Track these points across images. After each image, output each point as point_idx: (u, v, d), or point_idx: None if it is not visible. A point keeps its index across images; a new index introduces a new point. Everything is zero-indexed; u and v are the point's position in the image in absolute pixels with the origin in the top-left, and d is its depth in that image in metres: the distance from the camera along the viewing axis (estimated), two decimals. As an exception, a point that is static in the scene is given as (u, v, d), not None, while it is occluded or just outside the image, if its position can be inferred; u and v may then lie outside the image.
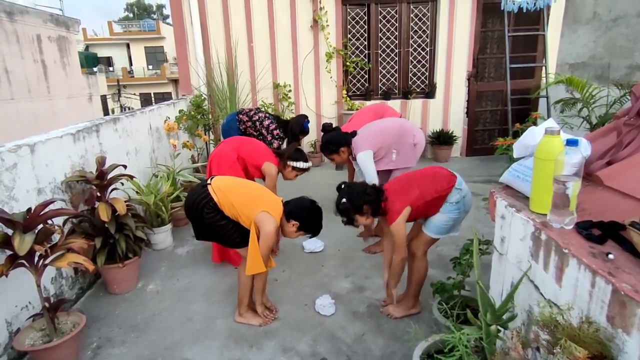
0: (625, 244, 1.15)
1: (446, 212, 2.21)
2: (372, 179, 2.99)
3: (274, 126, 3.83)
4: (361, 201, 2.20)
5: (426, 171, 2.30)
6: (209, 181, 2.32)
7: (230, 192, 2.24)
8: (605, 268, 1.06)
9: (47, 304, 2.09)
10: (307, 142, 6.07)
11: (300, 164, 3.07)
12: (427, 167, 2.35)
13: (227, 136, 3.88)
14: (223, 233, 2.27)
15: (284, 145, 3.90)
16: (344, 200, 2.25)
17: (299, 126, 3.91)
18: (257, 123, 3.87)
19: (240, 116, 3.94)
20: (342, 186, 2.46)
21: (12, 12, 8.76)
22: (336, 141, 3.21)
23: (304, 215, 2.33)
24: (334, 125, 3.70)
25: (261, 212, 2.20)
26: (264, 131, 3.84)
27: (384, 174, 3.23)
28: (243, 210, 2.22)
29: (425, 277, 2.39)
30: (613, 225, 1.23)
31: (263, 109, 4.24)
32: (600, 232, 1.22)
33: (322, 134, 3.98)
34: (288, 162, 3.05)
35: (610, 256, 1.11)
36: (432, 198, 2.16)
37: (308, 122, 3.99)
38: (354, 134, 3.21)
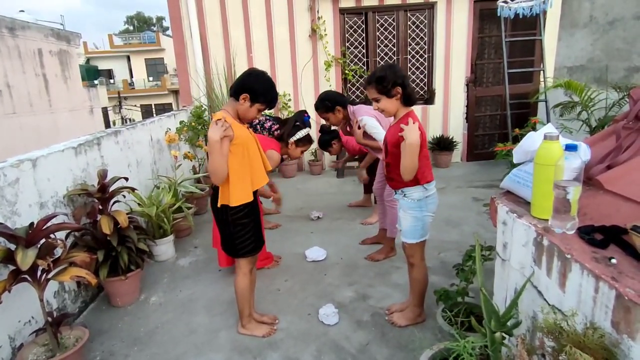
0: (627, 248, 1.15)
1: (408, 208, 2.18)
2: (382, 136, 2.95)
3: (276, 127, 3.85)
4: (400, 80, 2.07)
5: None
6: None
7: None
8: (609, 273, 1.06)
9: (50, 319, 2.08)
10: (308, 151, 6.08)
11: (299, 134, 3.05)
12: None
13: None
14: (241, 235, 2.20)
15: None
16: (384, 69, 2.11)
17: (300, 121, 3.93)
18: (258, 126, 3.90)
19: None
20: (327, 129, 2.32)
21: (14, 27, 8.87)
22: (333, 98, 3.15)
23: (248, 83, 2.11)
24: (332, 128, 3.73)
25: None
26: (265, 133, 3.85)
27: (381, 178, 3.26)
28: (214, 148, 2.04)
29: (426, 285, 2.37)
30: (615, 230, 1.23)
31: (262, 114, 4.26)
32: (602, 237, 1.22)
33: (319, 134, 4.02)
34: (289, 141, 3.04)
35: (613, 261, 1.11)
36: (420, 166, 2.09)
37: (308, 117, 4.01)
38: (353, 101, 3.19)
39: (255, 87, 2.12)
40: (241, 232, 2.21)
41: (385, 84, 2.07)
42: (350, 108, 3.18)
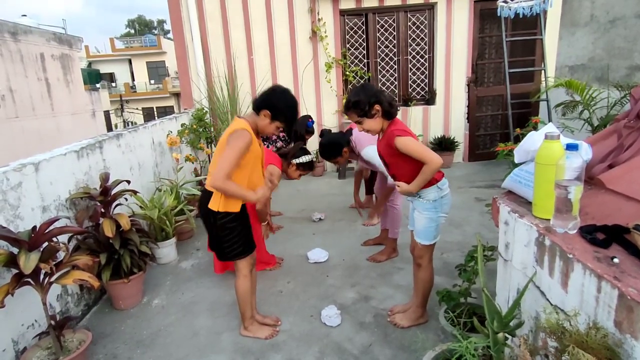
0: (629, 248, 1.14)
1: (423, 210, 2.19)
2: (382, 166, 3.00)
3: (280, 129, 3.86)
4: (374, 98, 2.11)
5: None
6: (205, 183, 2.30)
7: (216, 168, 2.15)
8: (611, 272, 1.05)
9: (53, 322, 2.09)
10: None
11: (303, 159, 3.07)
12: None
13: None
14: (229, 239, 2.21)
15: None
16: (357, 93, 2.15)
17: (303, 127, 3.94)
18: None
19: None
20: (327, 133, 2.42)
21: (16, 32, 8.90)
22: (337, 143, 3.20)
23: (270, 99, 2.14)
24: (332, 132, 3.72)
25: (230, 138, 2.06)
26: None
27: (382, 179, 3.27)
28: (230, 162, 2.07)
29: (431, 286, 2.38)
30: (617, 229, 1.22)
31: None
32: (604, 236, 1.22)
33: (320, 138, 4.01)
34: (292, 161, 3.06)
35: (615, 260, 1.11)
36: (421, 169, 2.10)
37: (312, 122, 4.02)
38: (349, 132, 3.21)
39: (277, 104, 2.13)
40: (229, 236, 2.22)
41: (362, 107, 2.12)
42: (352, 142, 3.20)
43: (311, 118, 4.04)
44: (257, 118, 2.16)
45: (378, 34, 6.00)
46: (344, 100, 2.27)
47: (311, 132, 4.02)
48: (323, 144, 3.26)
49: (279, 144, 3.86)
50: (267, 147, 3.78)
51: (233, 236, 2.22)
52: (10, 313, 2.08)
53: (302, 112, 6.09)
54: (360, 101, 2.12)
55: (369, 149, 3.02)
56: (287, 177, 3.21)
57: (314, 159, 3.21)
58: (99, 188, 2.78)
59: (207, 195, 2.19)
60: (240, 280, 2.32)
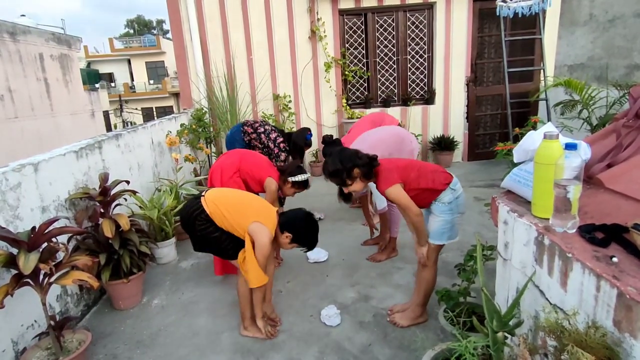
0: (628, 247, 1.14)
1: (439, 212, 2.21)
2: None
3: (281, 139, 3.88)
4: (351, 164, 2.20)
5: (428, 164, 2.36)
6: (203, 193, 2.34)
7: (222, 203, 2.27)
8: (610, 271, 1.06)
9: (52, 323, 2.09)
10: (309, 152, 6.08)
11: (298, 177, 3.08)
12: (428, 163, 2.41)
13: (231, 147, 3.92)
14: (217, 244, 2.29)
15: (290, 158, 3.95)
16: (334, 161, 2.25)
17: (302, 139, 3.98)
18: (263, 135, 3.91)
19: (245, 127, 3.99)
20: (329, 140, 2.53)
21: (15, 32, 8.89)
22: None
23: (298, 228, 2.32)
24: (334, 137, 3.71)
25: (254, 222, 2.21)
26: (270, 144, 3.87)
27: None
28: (236, 221, 2.23)
29: (434, 287, 2.38)
30: (616, 228, 1.22)
31: (268, 122, 4.30)
32: (603, 235, 1.22)
33: (322, 145, 4.01)
34: (288, 179, 3.07)
35: (614, 259, 1.11)
36: (426, 187, 2.16)
37: (311, 135, 4.06)
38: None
39: (302, 234, 2.32)
40: (218, 241, 2.28)
41: (341, 176, 2.23)
42: None
43: (310, 131, 4.08)
44: (279, 233, 2.31)
45: (377, 34, 6.00)
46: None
47: (309, 145, 4.08)
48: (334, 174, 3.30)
49: (282, 156, 3.88)
50: (272, 160, 3.75)
51: (220, 241, 2.29)
52: (9, 313, 2.08)
53: (302, 112, 6.10)
54: (337, 170, 2.23)
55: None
56: (281, 194, 3.22)
57: (310, 177, 3.21)
58: (99, 188, 2.78)
59: (193, 204, 2.31)
60: (241, 280, 2.32)
